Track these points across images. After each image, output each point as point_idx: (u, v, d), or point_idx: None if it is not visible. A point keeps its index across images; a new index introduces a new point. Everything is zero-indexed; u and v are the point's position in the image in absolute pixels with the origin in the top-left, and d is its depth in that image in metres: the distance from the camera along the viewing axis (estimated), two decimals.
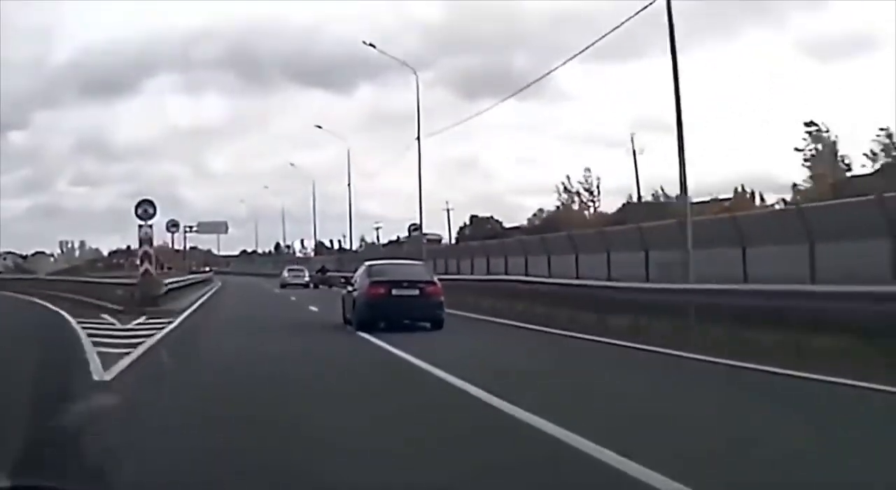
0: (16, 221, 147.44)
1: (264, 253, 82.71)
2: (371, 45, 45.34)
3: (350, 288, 20.96)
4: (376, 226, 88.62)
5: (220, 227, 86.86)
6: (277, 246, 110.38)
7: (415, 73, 45.46)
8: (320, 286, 56.40)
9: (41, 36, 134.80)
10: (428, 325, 19.06)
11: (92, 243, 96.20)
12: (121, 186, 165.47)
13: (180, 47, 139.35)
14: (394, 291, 19.01)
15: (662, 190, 64.24)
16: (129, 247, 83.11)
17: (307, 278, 59.64)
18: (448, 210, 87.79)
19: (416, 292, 19.13)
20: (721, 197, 56.88)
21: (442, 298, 19.41)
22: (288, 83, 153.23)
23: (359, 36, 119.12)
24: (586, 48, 31.68)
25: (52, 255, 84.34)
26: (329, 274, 58.44)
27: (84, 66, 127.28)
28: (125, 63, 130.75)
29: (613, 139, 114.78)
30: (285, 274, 61.00)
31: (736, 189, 58.71)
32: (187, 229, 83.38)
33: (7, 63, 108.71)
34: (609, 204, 69.68)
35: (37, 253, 75.83)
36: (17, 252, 73.80)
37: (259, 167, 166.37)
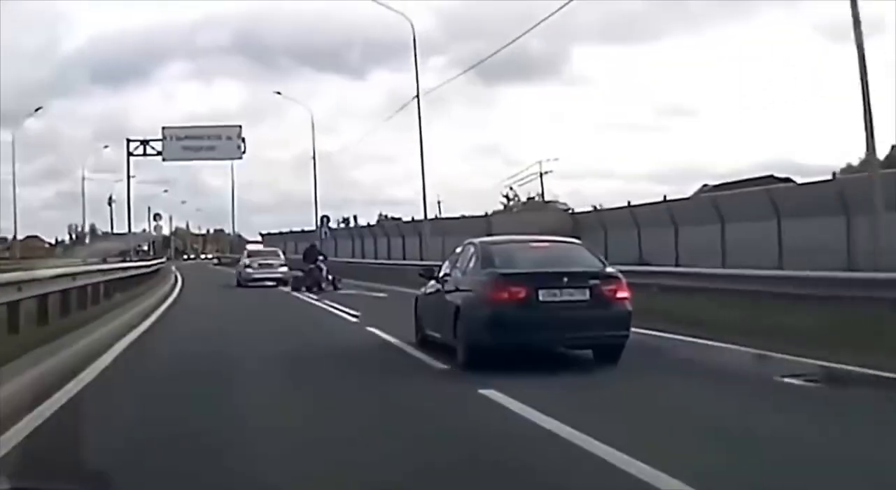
0: (36, 210, 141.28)
1: (292, 231, 69.68)
2: None
3: (435, 286, 12.03)
4: (438, 200, 75.00)
5: (223, 139, 52.22)
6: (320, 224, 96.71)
7: (410, 23, 35.24)
8: (310, 289, 29.28)
9: (54, 24, 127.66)
10: (589, 353, 10.56)
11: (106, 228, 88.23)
12: (139, 173, 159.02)
13: (190, 34, 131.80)
14: (542, 294, 9.85)
15: None
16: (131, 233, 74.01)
17: (284, 269, 34.67)
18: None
19: (586, 296, 9.95)
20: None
21: (630, 307, 10.18)
22: (301, 68, 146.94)
23: (370, 19, 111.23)
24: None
25: (55, 241, 76.92)
26: (321, 262, 30.97)
27: (96, 54, 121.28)
28: (137, 50, 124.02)
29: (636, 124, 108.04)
30: (244, 262, 35.90)
31: None
32: (142, 145, 51.41)
33: (21, 52, 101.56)
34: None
35: (28, 237, 67.28)
36: (8, 237, 64.56)
37: (277, 154, 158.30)
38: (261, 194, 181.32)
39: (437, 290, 11.84)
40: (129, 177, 52.94)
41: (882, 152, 21.51)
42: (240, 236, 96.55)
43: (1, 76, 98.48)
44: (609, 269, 10.47)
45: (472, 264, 10.91)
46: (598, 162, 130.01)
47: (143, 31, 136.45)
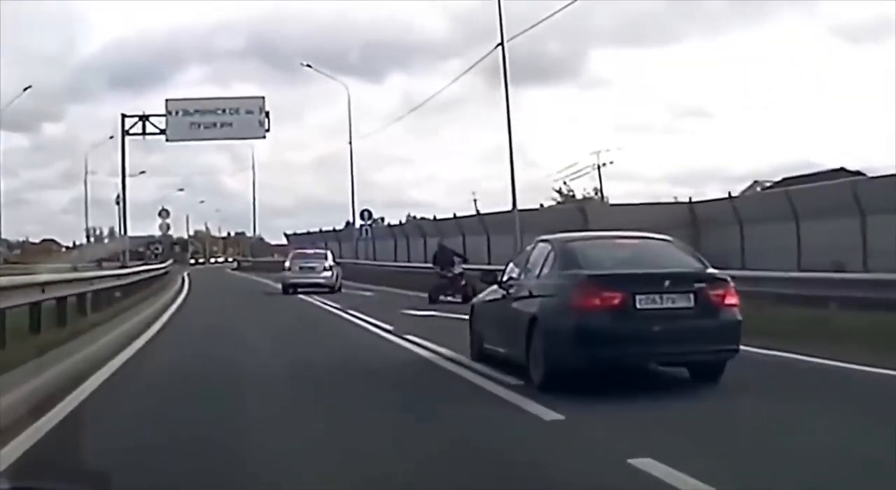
0: (55, 214, 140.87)
1: (321, 231, 64.33)
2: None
3: (498, 292, 10.52)
4: (474, 197, 69.43)
5: (242, 113, 43.23)
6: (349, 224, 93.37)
7: None
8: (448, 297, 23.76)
9: (71, 28, 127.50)
10: (685, 370, 9.07)
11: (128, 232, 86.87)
12: (160, 177, 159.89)
13: (206, 38, 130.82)
14: (640, 300, 8.29)
15: None
16: (150, 236, 71.97)
17: (328, 273, 31.52)
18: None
19: (690, 303, 8.42)
20: None
21: (739, 316, 8.64)
22: (316, 72, 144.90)
23: (385, 22, 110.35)
24: None
25: (72, 244, 75.25)
26: (459, 264, 24.80)
27: (113, 58, 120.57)
28: (153, 55, 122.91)
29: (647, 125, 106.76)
30: (287, 264, 32.78)
31: None
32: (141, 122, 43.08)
33: (39, 56, 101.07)
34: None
35: (45, 240, 65.34)
36: (11, 239, 61.49)
37: (297, 157, 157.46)
38: (281, 197, 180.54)
39: (503, 297, 10.32)
40: (123, 159, 43.75)
41: None
42: (261, 239, 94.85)
43: (19, 80, 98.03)
44: (712, 271, 8.93)
45: (548, 265, 9.36)
46: (616, 163, 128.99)
47: (160, 36, 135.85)
